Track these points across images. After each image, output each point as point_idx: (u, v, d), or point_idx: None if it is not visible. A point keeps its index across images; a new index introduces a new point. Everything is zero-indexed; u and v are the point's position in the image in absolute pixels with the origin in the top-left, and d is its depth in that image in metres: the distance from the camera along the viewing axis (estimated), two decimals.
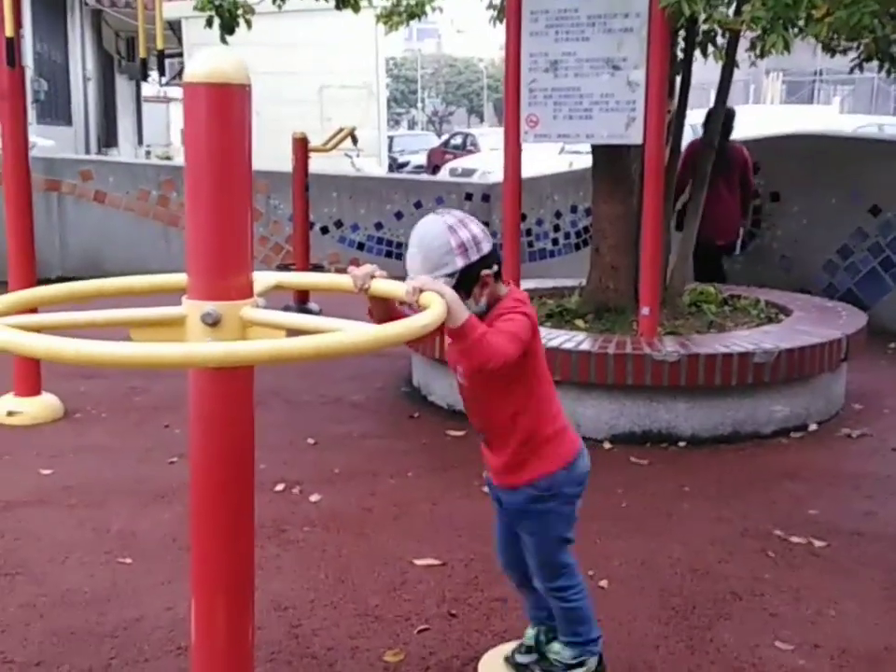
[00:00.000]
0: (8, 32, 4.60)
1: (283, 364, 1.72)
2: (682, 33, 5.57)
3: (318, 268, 8.20)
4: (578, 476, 2.49)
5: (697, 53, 5.77)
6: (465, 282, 2.24)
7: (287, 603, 3.07)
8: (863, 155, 7.41)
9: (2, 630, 2.91)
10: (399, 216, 9.70)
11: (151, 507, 3.85)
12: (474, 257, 2.24)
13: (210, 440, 1.93)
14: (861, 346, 5.19)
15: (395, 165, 24.60)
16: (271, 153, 8.59)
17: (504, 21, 5.36)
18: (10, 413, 4.91)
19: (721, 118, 5.97)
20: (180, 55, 18.28)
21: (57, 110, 16.09)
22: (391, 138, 27.00)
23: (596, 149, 5.54)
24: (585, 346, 4.69)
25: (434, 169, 22.95)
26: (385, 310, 2.26)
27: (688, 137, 6.46)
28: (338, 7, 6.42)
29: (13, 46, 4.65)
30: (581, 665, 2.59)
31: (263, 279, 2.02)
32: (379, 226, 9.71)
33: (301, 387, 5.57)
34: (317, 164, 8.18)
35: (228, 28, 5.98)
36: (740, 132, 7.50)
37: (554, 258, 9.23)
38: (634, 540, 3.57)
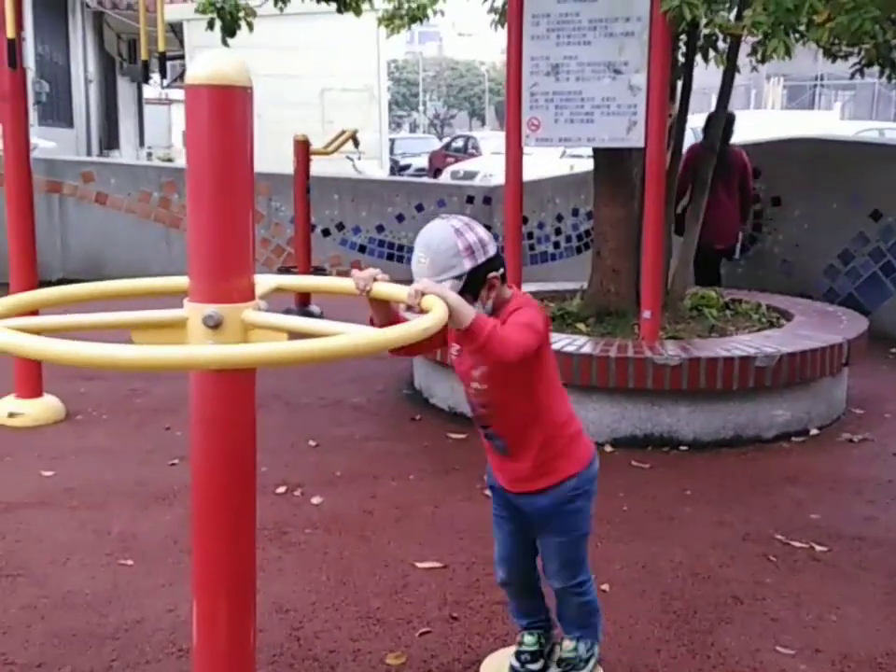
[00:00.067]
0: (10, 33, 4.60)
1: (285, 367, 1.72)
2: (684, 37, 5.58)
3: (320, 270, 8.20)
4: (595, 472, 2.53)
5: (698, 58, 5.77)
6: (472, 284, 2.25)
7: (289, 605, 3.07)
8: (864, 159, 7.41)
9: (3, 632, 2.91)
10: (400, 218, 9.70)
11: (152, 509, 3.85)
12: (481, 259, 2.26)
13: (212, 442, 1.93)
14: (862, 351, 5.19)
15: (396, 168, 24.61)
16: (272, 155, 8.60)
17: (505, 24, 5.36)
18: (12, 415, 4.91)
19: (722, 122, 5.98)
20: (182, 57, 18.29)
21: (58, 112, 16.09)
22: (393, 141, 27.00)
23: (598, 153, 5.54)
24: (587, 350, 4.69)
25: (435, 172, 22.96)
26: (386, 316, 2.26)
27: (689, 141, 6.46)
28: (339, 11, 6.44)
29: (15, 47, 4.66)
30: (592, 655, 2.63)
31: (265, 282, 2.02)
32: (380, 228, 9.72)
33: (302, 390, 5.57)
34: (319, 167, 8.18)
35: (229, 30, 5.99)
36: (741, 137, 7.51)
37: (556, 261, 9.23)
38: (635, 544, 3.56)
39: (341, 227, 9.72)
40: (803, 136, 8.39)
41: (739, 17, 5.02)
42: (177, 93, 25.90)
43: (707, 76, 7.42)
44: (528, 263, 8.74)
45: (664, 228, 5.15)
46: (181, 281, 1.92)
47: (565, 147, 13.61)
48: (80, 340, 1.55)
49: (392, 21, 6.69)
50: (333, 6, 6.39)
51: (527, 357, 2.21)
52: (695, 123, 7.92)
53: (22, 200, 4.91)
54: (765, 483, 4.21)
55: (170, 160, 18.85)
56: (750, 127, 11.67)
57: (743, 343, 4.84)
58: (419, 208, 9.70)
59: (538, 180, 9.20)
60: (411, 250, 2.33)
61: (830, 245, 7.44)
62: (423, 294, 2.01)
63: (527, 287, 5.56)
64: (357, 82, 18.30)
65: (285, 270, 8.56)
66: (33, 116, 11.77)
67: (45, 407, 5.01)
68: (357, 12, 6.44)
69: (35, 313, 2.23)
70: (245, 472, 1.96)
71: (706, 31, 5.51)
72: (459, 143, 26.82)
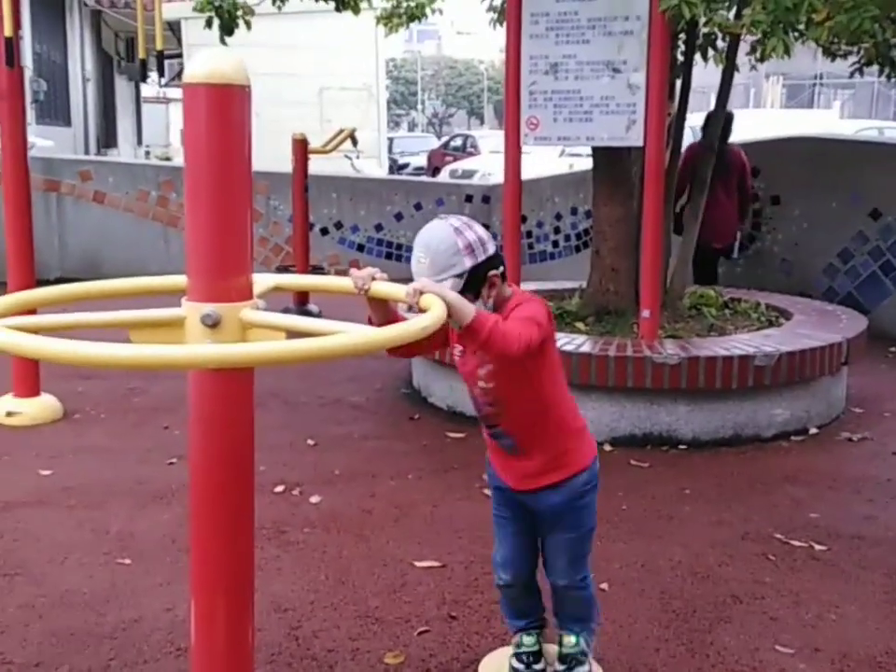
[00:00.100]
0: (7, 32, 4.60)
1: (283, 366, 1.71)
2: (683, 36, 5.57)
3: (318, 269, 8.20)
4: (598, 466, 2.54)
5: (697, 57, 5.77)
6: (473, 282, 2.26)
7: (287, 604, 3.07)
8: (864, 158, 7.41)
9: (1, 631, 2.90)
10: (398, 217, 9.70)
11: (150, 508, 3.85)
12: (481, 257, 2.26)
13: (210, 441, 1.92)
14: (861, 350, 5.18)
15: (395, 167, 24.61)
16: (271, 154, 8.60)
17: (504, 23, 5.36)
18: (9, 414, 4.91)
19: (721, 121, 5.97)
20: (179, 56, 18.28)
21: (56, 111, 16.08)
22: (391, 140, 27.01)
23: (597, 152, 5.53)
24: (586, 349, 4.68)
25: (434, 171, 22.96)
26: (384, 315, 2.26)
27: (688, 140, 6.46)
28: (338, 9, 6.43)
29: (12, 46, 4.65)
30: (589, 646, 2.65)
31: (263, 281, 2.01)
32: (379, 227, 9.72)
33: (300, 389, 5.56)
34: (317, 166, 8.18)
35: (227, 29, 5.98)
36: (740, 136, 7.50)
37: (555, 260, 9.23)
38: (634, 543, 3.56)
39: (339, 226, 9.72)
40: (802, 135, 8.39)
41: (738, 15, 5.02)
42: (175, 92, 25.92)
43: (706, 74, 7.41)
44: (527, 262, 8.74)
45: (663, 227, 5.15)
46: (179, 280, 1.92)
47: (563, 146, 13.63)
48: (78, 339, 1.55)
49: (390, 19, 6.68)
50: (332, 4, 6.38)
51: (531, 351, 2.21)
52: (694, 122, 7.92)
53: (20, 198, 4.91)
54: (764, 482, 4.21)
55: (168, 158, 18.82)
56: (750, 126, 11.68)
57: (742, 342, 4.84)
58: (418, 207, 9.70)
59: (536, 179, 9.20)
60: (409, 249, 2.33)
61: (829, 244, 7.44)
62: (421, 293, 2.01)
63: (526, 287, 5.54)
64: (355, 81, 18.30)
65: (283, 269, 8.55)
66: (30, 114, 11.77)
67: (43, 406, 5.01)
68: (356, 11, 6.44)
69: (32, 312, 2.22)
70: (243, 471, 1.95)
71: (705, 29, 5.50)
72: (458, 142, 26.81)
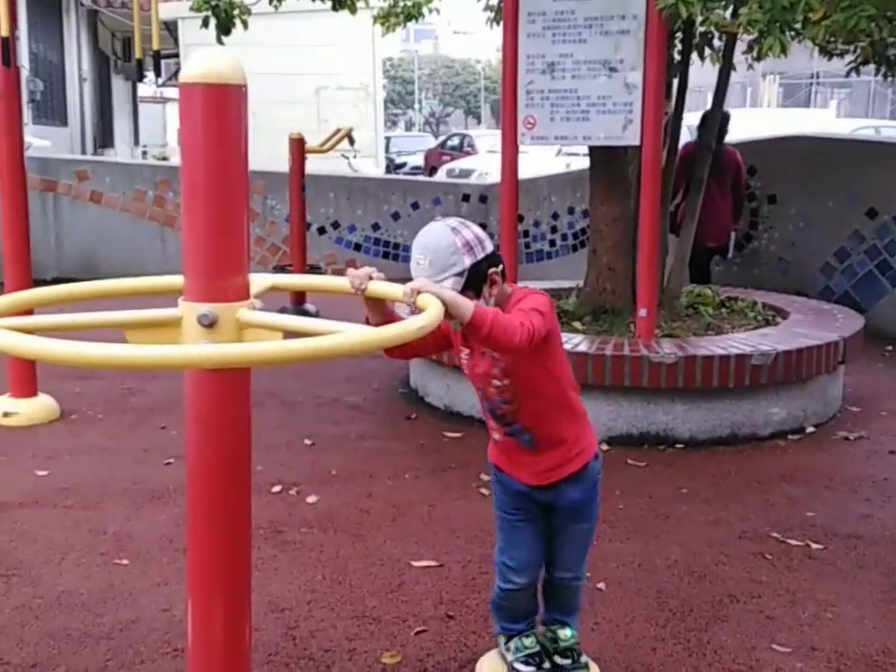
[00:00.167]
0: (4, 32, 4.59)
1: (280, 366, 1.71)
2: (679, 35, 5.58)
3: (315, 269, 8.19)
4: None
5: (694, 56, 5.77)
6: (473, 280, 2.27)
7: (285, 604, 3.07)
8: (861, 158, 7.42)
9: None
10: (396, 216, 9.70)
11: (147, 508, 3.84)
12: (480, 255, 2.28)
13: (207, 441, 1.92)
14: (857, 349, 5.19)
15: (392, 166, 24.60)
16: (268, 153, 8.59)
17: (501, 22, 5.36)
18: (6, 415, 4.90)
19: (717, 120, 5.97)
20: (176, 56, 18.27)
21: (53, 111, 16.06)
22: (388, 139, 27.01)
23: (594, 151, 5.54)
24: (582, 348, 4.68)
25: (431, 170, 22.95)
26: (381, 315, 2.26)
27: (684, 139, 6.47)
28: (335, 9, 6.42)
29: (9, 46, 4.64)
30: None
31: (260, 280, 2.01)
32: (376, 227, 9.71)
33: (297, 388, 5.56)
34: (314, 165, 8.18)
35: (224, 29, 5.98)
36: (737, 135, 7.51)
37: (552, 259, 9.24)
38: (631, 542, 3.56)
39: (336, 225, 9.71)
40: (799, 134, 8.40)
41: (735, 14, 5.02)
42: (172, 92, 25.90)
43: (702, 73, 7.42)
44: (524, 261, 8.74)
45: (660, 226, 5.16)
46: (176, 280, 1.92)
47: (560, 146, 13.64)
48: (75, 339, 1.55)
49: (387, 19, 6.68)
50: (328, 4, 6.38)
51: (536, 340, 2.22)
52: (691, 121, 7.92)
53: (16, 199, 4.90)
54: (761, 481, 4.21)
55: (165, 158, 18.80)
56: (746, 125, 11.68)
57: (739, 341, 4.84)
58: (415, 206, 9.70)
59: (533, 178, 9.21)
60: (406, 249, 2.34)
61: (826, 243, 7.45)
62: (418, 292, 2.01)
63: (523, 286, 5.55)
64: (352, 80, 18.29)
65: (280, 268, 8.55)
66: (27, 114, 11.75)
67: (39, 406, 5.00)
68: (353, 10, 6.43)
69: (29, 312, 2.22)
70: (240, 471, 1.95)
71: (701, 29, 5.51)
72: (455, 141, 26.80)
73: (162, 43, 6.51)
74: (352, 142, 8.53)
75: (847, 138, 8.85)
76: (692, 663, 2.77)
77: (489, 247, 2.31)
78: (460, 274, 2.24)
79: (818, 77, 30.47)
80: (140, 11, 5.52)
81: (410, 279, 2.12)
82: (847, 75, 6.06)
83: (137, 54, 5.79)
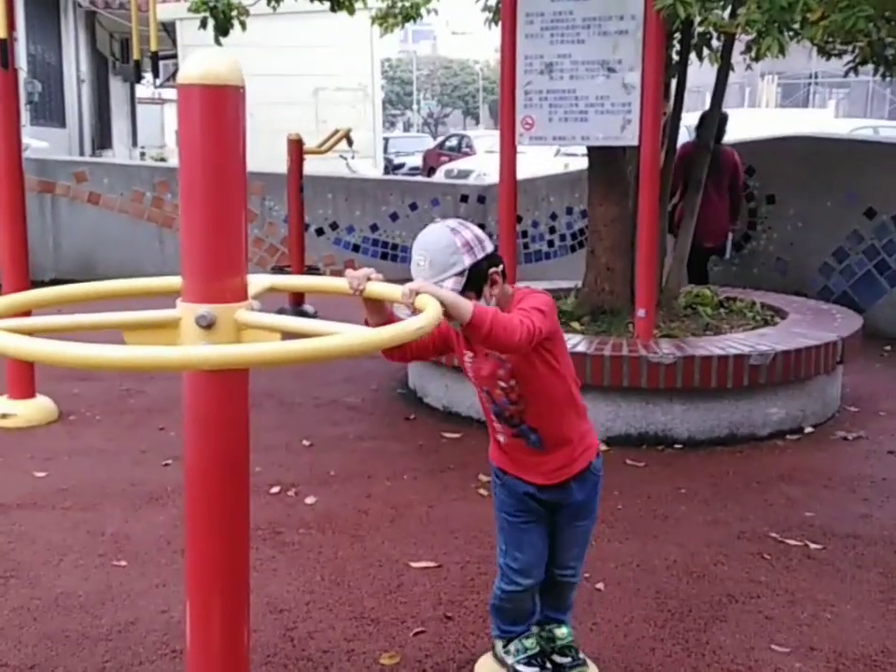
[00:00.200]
0: (2, 33, 4.59)
1: (278, 367, 1.71)
2: (678, 35, 5.58)
3: (313, 270, 8.19)
4: None
5: (692, 56, 5.78)
6: (474, 280, 2.27)
7: (283, 605, 3.06)
8: (859, 158, 7.42)
9: None
10: (394, 217, 9.69)
11: (145, 509, 3.84)
12: (480, 254, 2.28)
13: (205, 442, 1.92)
14: (856, 349, 5.19)
15: (390, 167, 24.60)
16: (266, 154, 8.59)
17: (499, 23, 5.36)
18: (4, 416, 4.90)
19: (715, 121, 5.97)
20: (174, 57, 18.25)
21: (51, 112, 16.04)
22: (386, 140, 26.99)
23: (592, 151, 5.54)
24: (581, 348, 4.68)
25: (430, 171, 22.95)
26: (380, 316, 2.26)
27: (683, 139, 6.47)
28: (333, 10, 6.43)
29: (7, 47, 4.64)
30: None
31: (258, 281, 2.01)
32: (374, 228, 9.71)
33: (295, 389, 5.56)
34: (312, 166, 8.17)
35: (222, 29, 5.98)
36: (735, 135, 7.51)
37: (550, 259, 9.24)
38: (630, 543, 3.56)
39: (334, 226, 9.71)
40: (797, 134, 8.40)
41: (733, 15, 5.03)
42: (170, 93, 25.88)
43: (701, 74, 7.42)
44: (523, 262, 8.74)
45: (658, 226, 5.16)
46: (174, 281, 1.92)
47: (559, 146, 13.63)
48: (73, 340, 1.54)
49: (386, 19, 6.69)
50: (327, 4, 6.38)
51: (537, 338, 2.22)
52: (689, 121, 7.93)
53: (14, 200, 4.90)
54: (760, 481, 4.21)
55: (163, 159, 18.78)
56: (745, 125, 11.69)
57: (737, 342, 4.84)
58: (413, 207, 9.69)
59: (532, 179, 9.21)
60: (405, 249, 2.35)
61: (824, 243, 7.45)
62: (417, 293, 2.01)
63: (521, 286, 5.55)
64: (350, 81, 18.28)
65: (278, 269, 8.54)
66: (25, 116, 11.74)
67: (37, 408, 5.00)
68: (351, 11, 6.44)
69: (27, 313, 2.22)
70: (238, 472, 1.95)
71: (700, 29, 5.51)
72: (453, 142, 26.79)
73: (160, 44, 6.52)
74: (350, 143, 8.54)
75: (846, 138, 8.85)
76: (690, 663, 2.77)
77: (489, 247, 2.31)
78: (460, 274, 2.24)
79: (816, 77, 30.50)
80: (138, 12, 5.53)
81: (408, 280, 2.12)
82: (846, 75, 6.07)
83: (135, 55, 5.81)
